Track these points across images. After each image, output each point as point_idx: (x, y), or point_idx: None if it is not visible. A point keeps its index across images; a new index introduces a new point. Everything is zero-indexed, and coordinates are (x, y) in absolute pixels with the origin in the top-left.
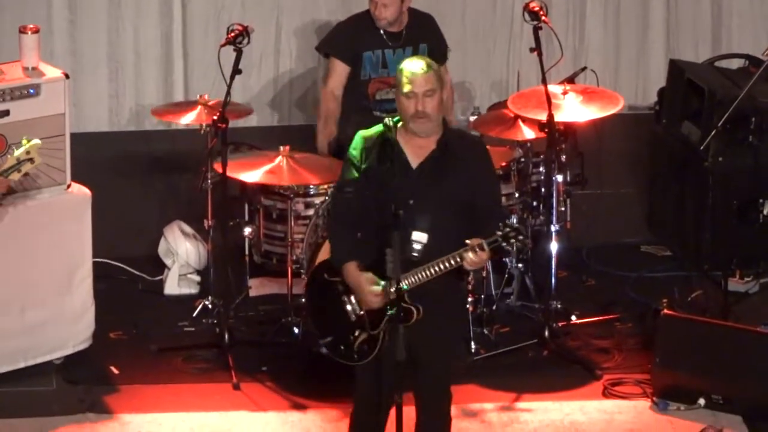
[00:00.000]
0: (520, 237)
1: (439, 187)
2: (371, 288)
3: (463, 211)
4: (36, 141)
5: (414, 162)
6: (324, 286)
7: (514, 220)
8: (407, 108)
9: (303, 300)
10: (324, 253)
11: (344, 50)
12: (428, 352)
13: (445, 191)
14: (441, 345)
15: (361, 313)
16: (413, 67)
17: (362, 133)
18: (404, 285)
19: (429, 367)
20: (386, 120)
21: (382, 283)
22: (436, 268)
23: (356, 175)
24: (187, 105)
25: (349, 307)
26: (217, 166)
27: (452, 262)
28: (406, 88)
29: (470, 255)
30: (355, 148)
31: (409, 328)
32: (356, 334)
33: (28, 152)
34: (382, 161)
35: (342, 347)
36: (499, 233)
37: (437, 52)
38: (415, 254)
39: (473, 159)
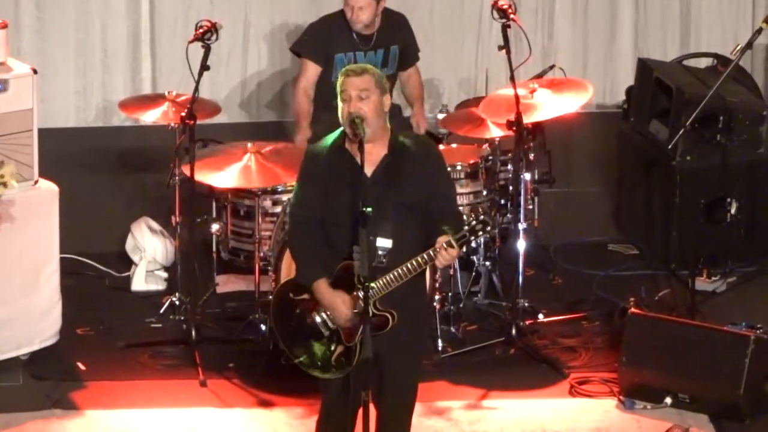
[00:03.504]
0: (488, 229)
1: (396, 192)
2: (347, 311)
3: (421, 214)
4: (10, 167)
5: (367, 169)
6: (291, 306)
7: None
8: (342, 111)
9: (270, 323)
10: (285, 273)
11: (316, 52)
12: (395, 367)
13: (402, 195)
14: (407, 361)
15: (334, 327)
16: (349, 70)
17: (312, 148)
18: (374, 285)
19: (394, 381)
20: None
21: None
22: (407, 268)
23: (312, 190)
24: (155, 98)
25: (319, 321)
26: (185, 168)
27: (422, 260)
28: (341, 90)
29: (441, 253)
30: (307, 163)
31: (381, 337)
32: (332, 348)
33: (2, 176)
34: (336, 172)
35: (320, 363)
36: (467, 228)
37: (409, 52)
38: (382, 261)
39: (426, 161)
